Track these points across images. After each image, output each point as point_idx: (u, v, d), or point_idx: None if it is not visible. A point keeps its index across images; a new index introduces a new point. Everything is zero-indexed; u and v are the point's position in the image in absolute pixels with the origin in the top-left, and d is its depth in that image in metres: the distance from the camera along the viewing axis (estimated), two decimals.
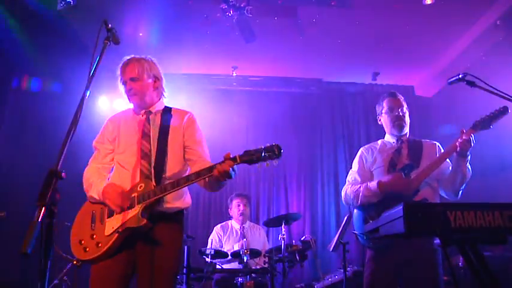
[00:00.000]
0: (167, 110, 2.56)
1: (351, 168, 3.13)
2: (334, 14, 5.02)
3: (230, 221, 5.08)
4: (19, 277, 4.12)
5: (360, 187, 2.87)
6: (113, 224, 2.19)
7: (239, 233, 4.82)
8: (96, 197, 2.29)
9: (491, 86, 2.30)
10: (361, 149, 3.14)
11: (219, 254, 4.35)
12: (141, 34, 5.32)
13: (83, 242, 2.21)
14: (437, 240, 2.60)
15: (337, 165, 6.54)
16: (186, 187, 2.40)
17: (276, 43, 5.66)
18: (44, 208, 1.31)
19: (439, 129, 6.06)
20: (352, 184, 2.99)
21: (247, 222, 5.07)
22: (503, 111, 2.52)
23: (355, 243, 5.83)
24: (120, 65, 2.50)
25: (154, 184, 2.24)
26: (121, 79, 2.49)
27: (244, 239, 4.45)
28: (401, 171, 2.74)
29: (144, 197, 2.18)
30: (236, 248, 4.62)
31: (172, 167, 2.36)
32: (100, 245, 2.15)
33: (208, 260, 4.16)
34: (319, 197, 6.42)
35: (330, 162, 6.58)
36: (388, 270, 2.67)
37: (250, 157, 2.09)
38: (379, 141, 3.11)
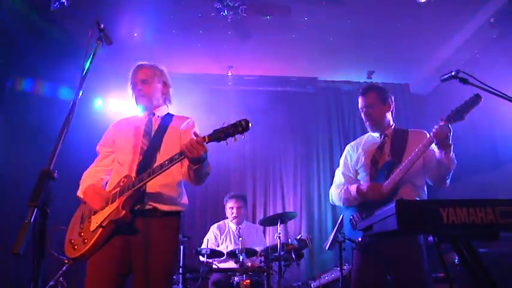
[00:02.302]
0: (169, 115, 2.65)
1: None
2: (328, 12, 5.02)
3: (227, 220, 5.07)
4: (14, 278, 4.11)
5: (341, 190, 2.94)
6: (97, 219, 2.23)
7: (236, 233, 4.81)
8: (81, 196, 2.36)
9: (483, 83, 2.30)
10: (348, 146, 3.18)
11: (215, 253, 4.35)
12: (135, 34, 5.31)
13: (72, 240, 2.26)
14: (430, 238, 2.60)
15: (333, 164, 6.55)
16: (183, 188, 2.52)
17: (271, 42, 5.67)
18: (36, 208, 1.31)
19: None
20: (337, 185, 3.06)
21: (244, 222, 5.06)
22: (475, 100, 2.48)
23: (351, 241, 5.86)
24: (133, 68, 2.62)
25: (135, 176, 2.27)
26: (132, 81, 2.60)
27: (241, 239, 4.44)
28: (383, 171, 2.75)
29: (124, 190, 2.23)
30: (232, 248, 4.62)
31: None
32: (86, 240, 2.19)
33: (204, 259, 4.15)
34: (315, 195, 6.43)
35: (326, 161, 6.59)
36: (374, 268, 2.67)
37: (217, 134, 2.07)
38: (366, 136, 3.12)
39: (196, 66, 6.30)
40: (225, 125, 2.06)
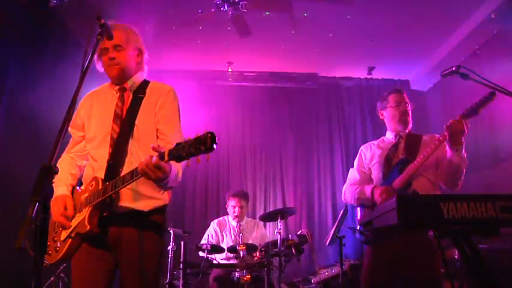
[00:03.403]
0: (144, 85, 2.22)
1: (351, 166, 3.16)
2: (329, 8, 5.01)
3: (228, 216, 5.07)
4: (15, 273, 4.12)
5: (356, 189, 2.90)
6: (66, 230, 2.04)
7: (236, 230, 4.81)
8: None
9: (484, 79, 2.30)
10: (362, 147, 3.15)
11: (216, 249, 4.35)
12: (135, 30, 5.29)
13: (49, 244, 2.09)
14: (430, 233, 2.58)
15: (333, 160, 6.56)
16: None
17: (271, 38, 5.66)
18: (37, 203, 1.31)
19: (436, 123, 6.09)
20: (351, 183, 3.01)
21: (245, 219, 5.06)
22: (490, 97, 2.46)
23: (351, 237, 5.87)
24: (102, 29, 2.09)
25: (103, 179, 1.99)
26: (101, 47, 2.11)
27: (241, 235, 4.45)
28: (397, 167, 2.74)
29: (91, 198, 1.97)
30: (232, 243, 4.63)
31: (137, 156, 2.02)
32: (58, 249, 2.03)
33: (204, 255, 4.16)
34: (315, 191, 6.43)
35: (326, 157, 6.60)
36: (384, 264, 2.65)
37: (178, 152, 1.64)
38: (379, 139, 3.12)
39: (196, 63, 6.29)
40: (187, 141, 1.63)
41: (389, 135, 3.02)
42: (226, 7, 4.80)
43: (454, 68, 2.39)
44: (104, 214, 1.99)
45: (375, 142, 3.08)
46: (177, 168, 1.95)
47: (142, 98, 2.16)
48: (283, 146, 6.66)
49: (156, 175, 1.76)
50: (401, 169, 2.71)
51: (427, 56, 6.02)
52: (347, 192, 3.00)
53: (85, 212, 1.97)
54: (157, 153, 1.73)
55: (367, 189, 2.78)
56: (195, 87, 6.23)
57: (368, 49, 5.90)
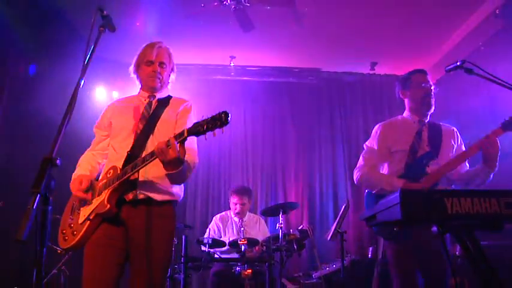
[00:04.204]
0: (167, 98, 2.53)
1: (353, 162, 3.00)
2: (331, 3, 4.98)
3: (230, 211, 5.07)
4: (17, 265, 4.13)
5: (382, 178, 2.72)
6: (85, 212, 2.19)
7: (238, 225, 4.81)
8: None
9: (489, 74, 2.28)
10: (380, 126, 2.94)
11: (217, 243, 4.36)
12: (137, 24, 5.28)
13: (64, 231, 2.24)
14: (433, 228, 2.56)
15: (335, 155, 6.54)
16: None
17: (274, 32, 5.63)
18: (38, 195, 1.31)
19: (438, 119, 6.06)
20: (370, 166, 2.81)
21: (247, 214, 5.06)
22: None
23: (352, 232, 5.88)
24: (150, 45, 2.46)
25: (121, 167, 2.19)
26: (147, 58, 2.43)
27: (243, 229, 4.46)
28: (421, 161, 2.67)
29: (110, 182, 2.16)
30: (234, 238, 4.63)
31: None
32: (75, 233, 2.17)
33: (205, 249, 4.17)
34: (317, 186, 6.43)
35: (328, 152, 6.58)
36: (414, 259, 2.58)
37: (197, 128, 1.94)
38: (399, 117, 2.94)
39: (198, 57, 6.27)
40: (204, 118, 1.94)
41: (411, 118, 2.86)
42: (228, 1, 4.78)
43: (458, 63, 2.38)
44: (129, 198, 2.17)
45: (396, 123, 2.90)
46: (187, 161, 2.12)
47: (166, 106, 2.43)
48: (285, 140, 6.65)
49: (170, 155, 1.94)
50: (426, 164, 2.66)
51: (431, 52, 5.98)
52: (366, 177, 2.78)
53: (104, 194, 2.14)
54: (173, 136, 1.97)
55: (398, 184, 2.60)
56: (197, 81, 6.22)
57: (371, 44, 5.87)
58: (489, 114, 4.83)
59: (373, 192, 2.74)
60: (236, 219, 4.89)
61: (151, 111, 2.39)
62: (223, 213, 5.10)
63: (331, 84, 6.86)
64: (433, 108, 2.82)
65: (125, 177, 2.10)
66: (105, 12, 1.90)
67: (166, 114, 2.39)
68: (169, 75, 2.54)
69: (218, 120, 1.88)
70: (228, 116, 1.88)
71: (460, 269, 3.84)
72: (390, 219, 1.61)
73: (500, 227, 1.58)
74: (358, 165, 2.88)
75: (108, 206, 2.09)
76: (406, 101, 2.92)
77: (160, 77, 2.44)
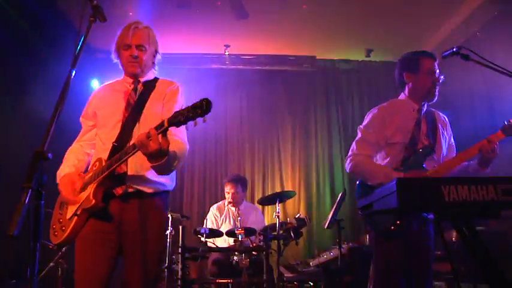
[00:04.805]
0: (153, 80, 2.39)
1: (349, 149, 2.71)
2: None
3: (226, 200, 5.07)
4: (13, 260, 4.12)
5: (379, 170, 2.54)
6: (72, 208, 2.13)
7: (235, 214, 4.81)
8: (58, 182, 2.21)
9: (485, 59, 2.26)
10: (377, 111, 2.70)
11: (214, 233, 4.36)
12: (130, 14, 5.21)
13: (54, 226, 2.20)
14: (430, 215, 2.55)
15: (331, 142, 6.54)
16: None
17: (269, 20, 5.58)
18: (30, 190, 1.29)
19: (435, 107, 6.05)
20: (364, 156, 2.60)
21: (244, 203, 5.06)
22: None
23: (350, 220, 5.89)
24: (126, 27, 2.29)
25: (106, 159, 2.10)
26: (124, 42, 2.28)
27: (239, 218, 4.45)
28: (420, 154, 2.54)
29: (95, 176, 2.08)
30: (231, 227, 4.64)
31: None
32: (64, 228, 2.12)
33: (203, 239, 4.17)
34: (313, 174, 6.43)
35: (324, 140, 6.58)
36: (403, 254, 2.45)
37: (177, 118, 1.79)
38: (395, 102, 2.74)
39: (192, 46, 6.21)
40: (185, 106, 1.79)
41: (410, 105, 2.67)
42: None
43: (454, 49, 2.35)
44: (118, 192, 2.10)
45: (395, 109, 2.68)
46: (172, 150, 1.99)
47: (152, 91, 2.31)
48: (281, 129, 6.64)
49: (151, 147, 1.84)
50: (423, 158, 2.53)
51: (426, 39, 5.95)
52: (361, 167, 2.59)
53: (90, 189, 2.06)
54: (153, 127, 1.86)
55: (397, 176, 2.40)
56: (192, 70, 6.17)
57: (366, 31, 5.83)
58: (487, 100, 4.83)
59: (368, 183, 2.54)
60: (233, 208, 4.89)
61: (136, 98, 2.27)
62: (220, 202, 5.10)
63: (327, 71, 6.83)
64: (435, 96, 2.66)
65: (109, 170, 2.02)
66: (95, 1, 1.85)
67: (153, 99, 2.27)
68: (153, 57, 2.38)
69: (199, 109, 1.74)
70: (210, 104, 1.75)
71: (456, 255, 3.86)
72: (386, 207, 1.60)
73: (497, 214, 1.57)
74: (351, 153, 2.66)
75: (94, 201, 2.02)
76: (409, 85, 2.70)
77: (140, 61, 2.28)
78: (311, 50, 6.52)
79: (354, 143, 2.70)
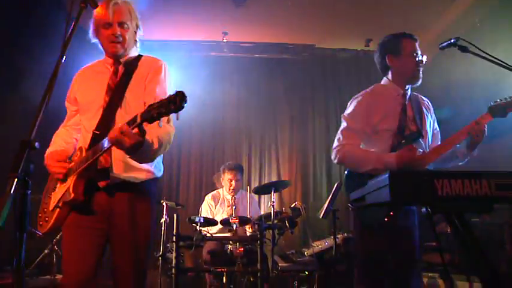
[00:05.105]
0: (136, 59, 2.22)
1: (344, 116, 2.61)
2: None
3: (222, 189, 5.05)
4: (9, 246, 4.11)
5: (370, 156, 2.44)
6: (55, 198, 2.07)
7: (230, 202, 4.80)
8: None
9: (484, 52, 2.23)
10: (362, 98, 2.62)
11: (209, 222, 4.35)
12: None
13: (40, 215, 2.15)
14: (423, 209, 2.52)
15: (328, 132, 6.52)
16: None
17: (268, 8, 5.51)
18: (16, 179, 1.26)
19: (433, 97, 6.01)
20: (352, 145, 2.50)
21: (240, 191, 5.05)
22: None
23: (345, 210, 5.90)
24: (105, 2, 2.09)
25: (86, 148, 2.00)
26: (103, 21, 2.08)
27: (234, 207, 4.45)
28: (407, 140, 2.46)
29: (75, 167, 1.99)
30: (226, 216, 4.64)
31: None
32: (47, 219, 2.06)
33: (197, 228, 4.16)
34: (310, 164, 6.43)
35: (322, 129, 6.56)
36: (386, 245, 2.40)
37: (150, 113, 1.65)
38: (379, 88, 2.67)
39: (190, 33, 6.15)
40: (158, 101, 1.65)
41: (394, 90, 2.60)
42: None
43: (452, 40, 2.31)
44: (102, 183, 2.02)
45: (380, 95, 2.60)
46: (151, 138, 1.89)
47: (133, 71, 2.15)
48: (278, 118, 6.61)
49: (126, 143, 1.73)
50: (412, 144, 2.43)
51: (426, 28, 5.88)
52: (351, 155, 2.48)
53: (70, 181, 1.99)
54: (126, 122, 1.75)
55: (391, 159, 2.32)
56: (189, 58, 6.12)
57: (366, 21, 5.77)
58: (484, 92, 4.80)
59: (361, 171, 2.43)
60: (229, 196, 4.86)
61: (117, 80, 2.13)
62: (215, 191, 5.08)
63: (326, 60, 6.79)
64: (419, 79, 2.60)
65: (87, 163, 1.93)
66: None
67: (135, 80, 2.13)
68: (135, 34, 2.21)
69: (172, 104, 1.59)
70: (184, 99, 1.59)
71: (451, 246, 3.87)
72: (379, 200, 1.59)
73: (490, 209, 1.56)
74: (337, 143, 2.54)
75: (73, 195, 1.94)
76: (392, 69, 2.63)
77: (122, 40, 2.12)
78: (310, 39, 6.48)
79: (339, 132, 2.60)
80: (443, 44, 2.38)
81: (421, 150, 2.49)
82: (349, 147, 2.50)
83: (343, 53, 6.75)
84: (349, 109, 2.65)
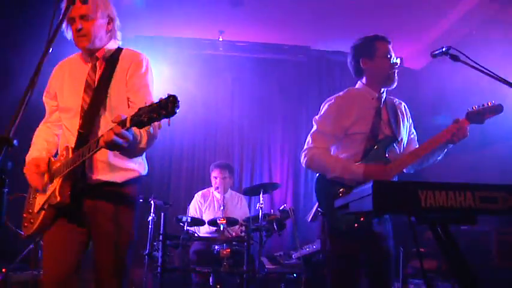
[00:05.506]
0: (116, 52, 2.13)
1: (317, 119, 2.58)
2: None
3: (212, 188, 5.03)
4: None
5: (337, 164, 2.42)
6: (39, 200, 2.02)
7: (220, 202, 4.78)
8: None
9: (475, 62, 2.22)
10: (333, 101, 2.58)
11: (196, 221, 4.33)
12: None
13: (24, 216, 2.10)
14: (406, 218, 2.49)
15: None
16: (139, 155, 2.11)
17: (264, 7, 5.49)
18: None
19: (426, 103, 6.02)
20: (321, 149, 2.49)
21: (229, 191, 5.03)
22: (497, 109, 2.34)
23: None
24: None
25: (73, 148, 1.96)
26: (68, 16, 1.99)
27: (222, 208, 4.42)
28: (382, 146, 2.43)
29: (61, 169, 1.94)
30: (214, 216, 4.62)
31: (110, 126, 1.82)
32: (32, 221, 2.03)
33: (185, 227, 4.14)
34: (302, 166, 6.39)
35: None
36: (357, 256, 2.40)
37: (140, 117, 1.58)
38: (353, 90, 2.62)
39: (186, 31, 6.10)
40: (149, 105, 1.57)
41: (368, 93, 2.54)
42: None
43: (444, 49, 2.30)
44: (79, 188, 1.98)
45: (353, 98, 2.55)
46: (139, 133, 1.87)
47: (115, 67, 2.08)
48: (272, 118, 6.59)
49: (123, 145, 1.71)
50: (386, 149, 2.42)
51: (422, 35, 5.91)
52: (318, 160, 2.46)
53: (56, 183, 1.95)
54: (116, 123, 1.69)
55: (358, 170, 2.33)
56: (184, 56, 6.08)
57: (362, 24, 5.75)
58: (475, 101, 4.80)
59: (326, 177, 2.45)
60: (218, 195, 4.85)
61: (96, 79, 2.06)
62: (205, 190, 5.07)
63: (321, 62, 6.77)
64: (394, 83, 2.53)
65: (74, 166, 1.88)
66: None
67: (117, 77, 2.06)
68: (105, 25, 2.09)
69: (163, 109, 1.51)
70: (176, 105, 1.50)
71: (438, 252, 3.88)
72: (362, 209, 1.58)
73: (473, 221, 1.56)
74: (306, 147, 2.54)
75: (59, 198, 1.90)
76: (366, 72, 2.59)
77: (87, 34, 2.01)
78: (305, 40, 6.46)
79: (309, 135, 2.58)
80: (435, 52, 2.37)
81: (398, 156, 2.48)
82: (317, 150, 2.48)
83: (339, 55, 6.73)
84: (321, 112, 2.63)
